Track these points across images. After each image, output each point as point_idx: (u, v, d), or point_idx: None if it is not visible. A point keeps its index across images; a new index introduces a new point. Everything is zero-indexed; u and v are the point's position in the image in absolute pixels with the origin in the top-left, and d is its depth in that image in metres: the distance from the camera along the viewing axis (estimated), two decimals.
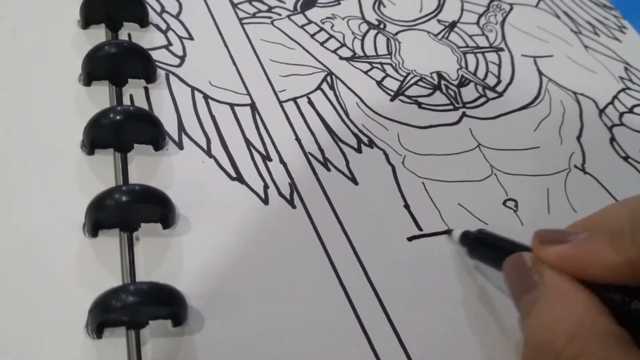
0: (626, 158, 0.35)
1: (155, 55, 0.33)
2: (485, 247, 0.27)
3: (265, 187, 0.30)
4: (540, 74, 0.39)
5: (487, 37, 0.40)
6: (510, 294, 0.25)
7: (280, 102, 0.33)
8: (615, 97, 0.39)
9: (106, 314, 0.23)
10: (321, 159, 0.31)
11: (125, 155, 0.29)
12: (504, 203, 0.32)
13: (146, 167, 0.29)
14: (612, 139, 0.36)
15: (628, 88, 0.39)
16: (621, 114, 0.38)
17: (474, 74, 0.38)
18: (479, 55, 0.39)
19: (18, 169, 0.28)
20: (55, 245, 0.26)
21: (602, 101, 0.38)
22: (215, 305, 0.25)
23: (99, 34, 0.33)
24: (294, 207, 0.29)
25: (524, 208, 0.31)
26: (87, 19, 0.33)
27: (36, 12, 0.34)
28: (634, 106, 0.38)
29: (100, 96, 0.31)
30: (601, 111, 0.37)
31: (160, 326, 0.24)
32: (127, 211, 0.26)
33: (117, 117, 0.28)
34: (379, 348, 0.26)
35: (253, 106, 0.33)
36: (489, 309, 0.27)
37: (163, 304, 0.24)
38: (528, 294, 0.23)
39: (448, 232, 0.29)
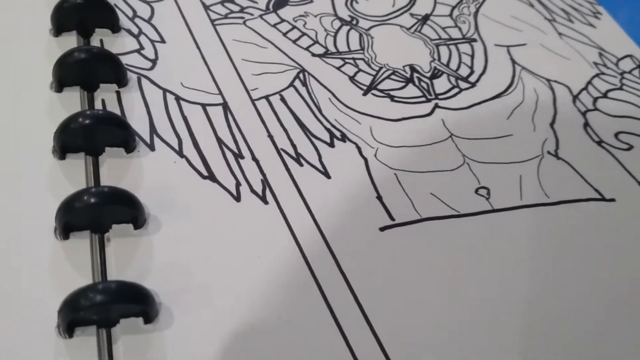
0: (600, 142, 0.35)
1: (127, 59, 0.34)
2: None
3: (238, 184, 0.30)
4: (514, 62, 0.39)
5: (460, 29, 0.41)
6: None
7: (253, 101, 0.34)
8: (589, 82, 0.39)
9: (75, 313, 0.23)
10: (294, 155, 0.32)
11: (97, 159, 0.29)
12: (476, 191, 0.32)
13: (118, 170, 0.29)
14: (586, 124, 0.36)
15: (602, 73, 0.39)
16: (595, 99, 0.38)
17: (447, 65, 0.38)
18: (452, 47, 0.39)
19: None
20: (27, 249, 0.26)
21: (576, 87, 0.38)
22: (186, 301, 0.26)
23: (70, 41, 0.34)
24: (266, 203, 0.30)
25: (496, 195, 0.32)
26: (59, 27, 0.34)
27: (7, 21, 0.34)
28: (608, 91, 0.38)
29: (72, 102, 0.31)
30: (575, 97, 0.38)
31: (131, 324, 0.25)
32: (96, 213, 0.26)
33: (86, 121, 0.28)
34: (352, 338, 0.26)
35: (225, 105, 0.33)
36: (473, 299, 0.28)
37: (131, 301, 0.24)
38: None
39: None
